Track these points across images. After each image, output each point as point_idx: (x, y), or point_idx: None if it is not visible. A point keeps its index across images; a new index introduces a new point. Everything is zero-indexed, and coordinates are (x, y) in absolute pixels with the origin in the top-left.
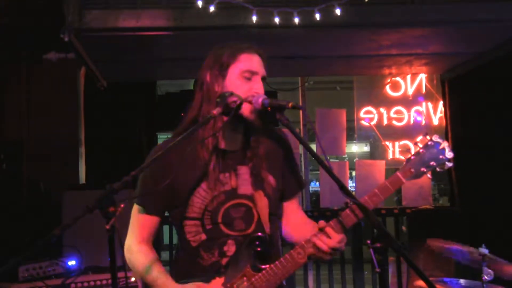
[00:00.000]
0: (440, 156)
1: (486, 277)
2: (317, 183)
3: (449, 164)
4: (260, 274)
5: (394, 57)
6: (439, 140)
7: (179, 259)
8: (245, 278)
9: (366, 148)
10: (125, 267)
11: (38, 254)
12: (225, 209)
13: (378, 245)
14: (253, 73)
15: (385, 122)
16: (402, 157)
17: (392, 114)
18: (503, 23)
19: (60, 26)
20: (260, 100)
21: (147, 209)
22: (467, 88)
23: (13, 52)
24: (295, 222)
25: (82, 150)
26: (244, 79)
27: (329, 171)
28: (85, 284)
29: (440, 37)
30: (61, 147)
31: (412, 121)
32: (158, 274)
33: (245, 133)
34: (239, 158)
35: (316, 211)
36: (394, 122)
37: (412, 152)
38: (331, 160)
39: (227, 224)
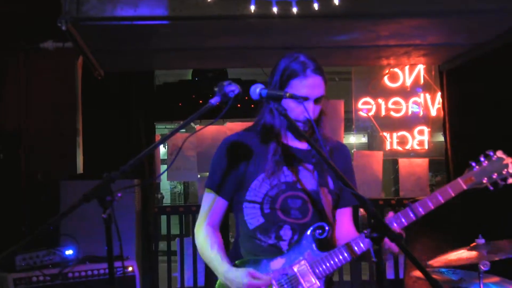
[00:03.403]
0: (504, 171)
1: (482, 267)
2: None
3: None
4: (319, 259)
5: (393, 47)
6: (503, 156)
7: (238, 240)
8: (304, 262)
9: (364, 139)
10: (122, 257)
11: (35, 243)
12: (284, 197)
13: (375, 235)
14: (304, 98)
15: (383, 113)
16: (399, 148)
17: (390, 105)
18: (502, 14)
19: (58, 14)
20: (257, 90)
21: (215, 190)
22: (465, 79)
23: (10, 41)
24: (340, 233)
25: (80, 139)
26: (297, 102)
27: (326, 160)
28: (82, 273)
29: (438, 27)
30: (58, 137)
31: (410, 112)
32: (214, 255)
33: (312, 133)
34: (304, 156)
35: None
36: (392, 113)
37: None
38: None
39: (284, 211)
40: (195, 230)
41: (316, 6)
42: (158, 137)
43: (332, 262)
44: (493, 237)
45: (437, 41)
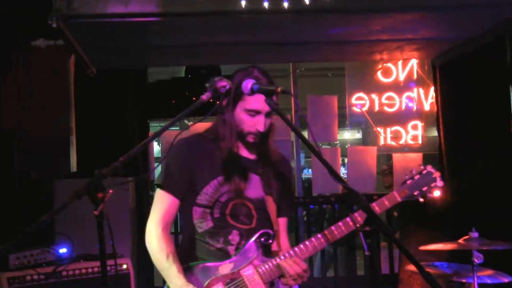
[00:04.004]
0: (432, 184)
1: (476, 261)
2: (309, 170)
3: (438, 193)
4: (265, 264)
5: (385, 42)
6: (432, 170)
7: (185, 243)
8: (251, 266)
9: (358, 135)
10: (115, 254)
11: (29, 242)
12: (233, 204)
13: (367, 228)
14: (256, 111)
15: (376, 108)
16: (393, 143)
17: (383, 100)
18: (493, 7)
19: (49, 11)
20: (249, 85)
21: (169, 190)
22: (458, 74)
23: (3, 39)
24: (276, 243)
25: (73, 138)
26: (249, 115)
27: (319, 156)
28: (77, 271)
29: (430, 21)
30: (51, 136)
31: (403, 107)
32: (170, 265)
33: (261, 145)
34: (253, 166)
35: (308, 197)
36: (386, 108)
37: (408, 175)
38: (324, 146)
39: (233, 216)
40: (148, 231)
41: (307, 0)
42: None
43: (274, 270)
44: (486, 232)
45: (429, 35)
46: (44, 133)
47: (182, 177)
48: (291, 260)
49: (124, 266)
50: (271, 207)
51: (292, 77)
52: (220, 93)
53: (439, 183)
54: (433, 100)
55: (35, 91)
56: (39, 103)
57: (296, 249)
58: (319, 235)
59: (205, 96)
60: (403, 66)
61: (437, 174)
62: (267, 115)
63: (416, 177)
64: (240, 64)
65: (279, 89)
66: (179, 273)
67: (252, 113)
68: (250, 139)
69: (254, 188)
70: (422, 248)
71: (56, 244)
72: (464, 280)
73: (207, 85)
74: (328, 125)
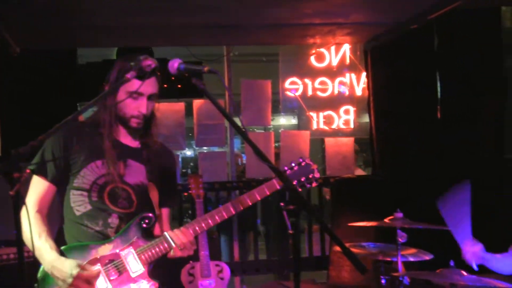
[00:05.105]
0: (310, 175)
1: (400, 240)
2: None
3: (315, 183)
4: (144, 246)
5: (317, 26)
6: (310, 163)
7: (62, 226)
8: (131, 247)
9: (294, 121)
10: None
11: None
12: (112, 187)
13: (291, 207)
14: (139, 93)
15: (309, 93)
16: (326, 128)
17: (316, 85)
18: None
19: None
20: (175, 65)
21: (43, 175)
22: (388, 59)
23: None
24: (159, 231)
25: None
26: (132, 98)
27: (245, 136)
28: None
29: (361, 6)
30: None
31: (336, 92)
32: (42, 243)
33: (144, 132)
34: (135, 153)
35: (241, 182)
36: (319, 93)
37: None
38: (258, 131)
39: (112, 200)
40: (22, 213)
41: None
42: (81, 118)
43: (157, 249)
44: (412, 212)
45: (359, 20)
46: None
47: (55, 163)
48: (179, 230)
49: None
50: (153, 193)
51: (226, 61)
52: (145, 72)
53: (316, 174)
54: (365, 86)
55: None
56: None
57: (181, 228)
58: (199, 218)
59: (129, 75)
60: (336, 51)
61: (314, 167)
62: (150, 97)
63: (295, 168)
64: (173, 46)
65: (205, 69)
66: (52, 249)
67: (135, 96)
68: (133, 123)
69: (135, 174)
70: (350, 224)
71: None
72: (389, 259)
73: (131, 63)
74: (262, 109)
